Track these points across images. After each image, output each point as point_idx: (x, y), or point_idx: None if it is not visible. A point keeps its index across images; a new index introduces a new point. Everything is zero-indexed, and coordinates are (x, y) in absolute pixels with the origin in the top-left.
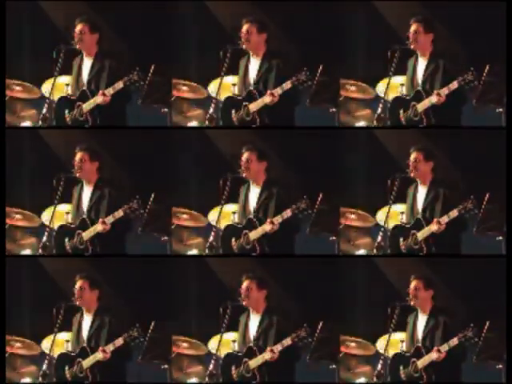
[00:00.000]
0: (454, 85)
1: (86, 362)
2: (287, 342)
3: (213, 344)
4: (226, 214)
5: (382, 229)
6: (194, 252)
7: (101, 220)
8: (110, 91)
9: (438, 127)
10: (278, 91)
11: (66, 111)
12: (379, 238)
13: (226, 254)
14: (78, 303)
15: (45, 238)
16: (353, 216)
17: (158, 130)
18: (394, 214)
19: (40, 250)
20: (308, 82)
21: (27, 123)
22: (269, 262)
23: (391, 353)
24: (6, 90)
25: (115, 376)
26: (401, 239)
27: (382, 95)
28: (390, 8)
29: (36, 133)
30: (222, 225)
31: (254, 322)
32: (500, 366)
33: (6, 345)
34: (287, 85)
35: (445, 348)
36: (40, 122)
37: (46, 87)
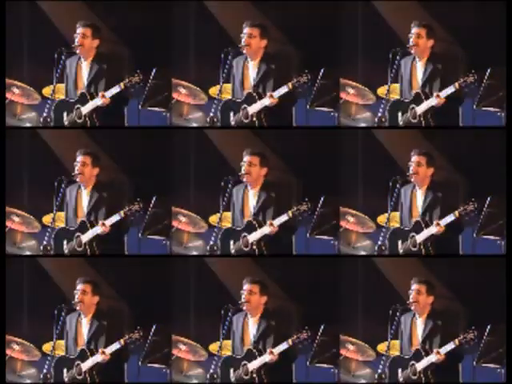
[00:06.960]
0: (455, 86)
1: (85, 365)
2: (288, 343)
3: (213, 347)
4: (226, 217)
5: (382, 233)
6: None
7: (101, 222)
8: (109, 93)
9: (437, 127)
10: (277, 93)
11: (65, 114)
12: (380, 242)
13: (227, 255)
14: (78, 307)
15: (45, 242)
16: (353, 220)
17: (158, 132)
18: (394, 217)
19: (40, 253)
20: (308, 84)
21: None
22: (268, 263)
23: (392, 355)
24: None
25: (114, 379)
26: (399, 242)
27: (383, 98)
28: (391, 10)
29: (36, 134)
30: (223, 228)
31: (252, 325)
32: (500, 370)
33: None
34: (287, 86)
35: (444, 350)
36: (41, 124)
37: (46, 91)
